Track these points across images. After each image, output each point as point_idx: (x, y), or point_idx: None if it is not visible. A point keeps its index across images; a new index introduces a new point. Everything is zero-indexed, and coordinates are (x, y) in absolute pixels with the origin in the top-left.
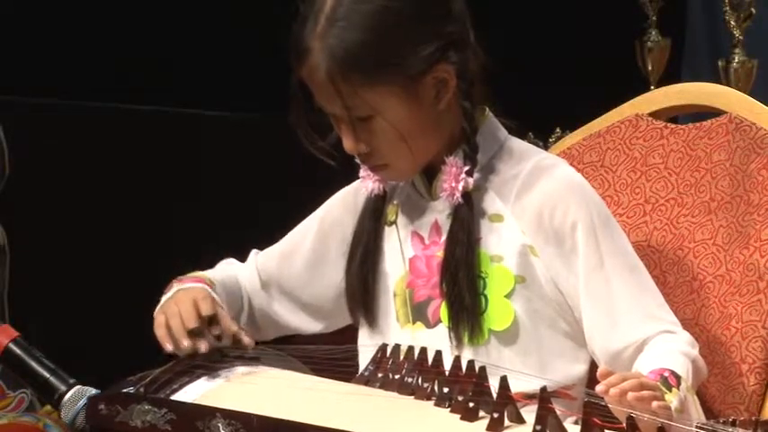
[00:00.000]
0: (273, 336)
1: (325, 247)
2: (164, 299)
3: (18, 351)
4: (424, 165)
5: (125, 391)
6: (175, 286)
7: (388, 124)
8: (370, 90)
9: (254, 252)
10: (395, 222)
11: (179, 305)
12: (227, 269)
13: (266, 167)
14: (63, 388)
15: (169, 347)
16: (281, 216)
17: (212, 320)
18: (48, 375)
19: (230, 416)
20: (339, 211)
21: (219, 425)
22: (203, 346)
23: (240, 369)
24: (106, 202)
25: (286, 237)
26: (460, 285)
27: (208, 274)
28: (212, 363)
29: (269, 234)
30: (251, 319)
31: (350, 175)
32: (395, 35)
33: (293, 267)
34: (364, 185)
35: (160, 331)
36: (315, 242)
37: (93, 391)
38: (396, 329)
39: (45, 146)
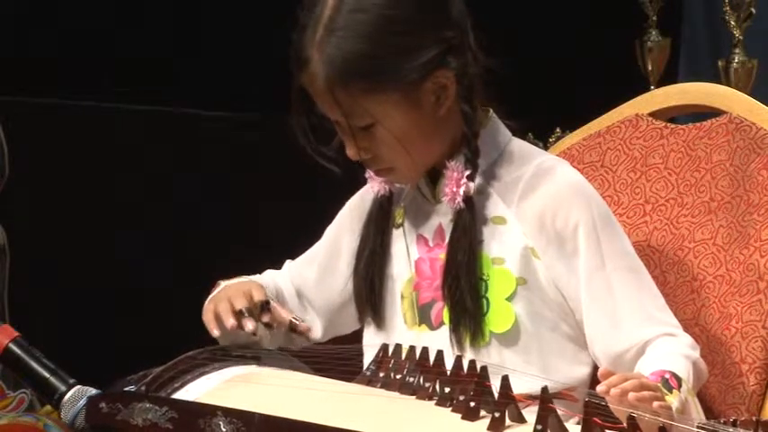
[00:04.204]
0: (301, 346)
1: (337, 255)
2: (212, 294)
3: (18, 351)
4: (427, 169)
5: (126, 389)
6: (223, 283)
7: (388, 131)
8: (370, 98)
9: (287, 262)
10: (402, 225)
11: (229, 293)
12: (270, 277)
13: (266, 167)
14: (63, 388)
15: (216, 332)
16: (282, 216)
17: (263, 309)
18: (48, 375)
19: (232, 414)
20: (348, 218)
21: (221, 423)
22: (250, 325)
23: (242, 368)
24: (106, 202)
25: (312, 247)
26: (462, 290)
27: (254, 278)
28: (214, 361)
29: (270, 234)
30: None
31: (352, 176)
32: (393, 43)
33: (311, 275)
34: (370, 186)
35: (207, 316)
36: (327, 252)
37: (93, 391)
38: (402, 331)
39: (45, 146)
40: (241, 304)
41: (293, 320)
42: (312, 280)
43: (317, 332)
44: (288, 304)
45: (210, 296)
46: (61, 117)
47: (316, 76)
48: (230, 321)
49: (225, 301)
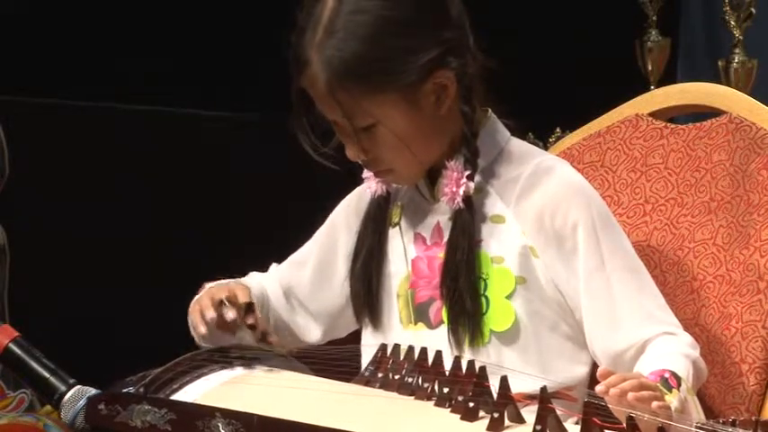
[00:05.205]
0: (291, 346)
1: (332, 254)
2: (196, 297)
3: (18, 351)
4: (427, 168)
5: (125, 390)
6: (208, 285)
7: (389, 132)
8: (370, 99)
9: (273, 265)
10: (398, 224)
11: (212, 291)
12: (255, 279)
13: (266, 167)
14: (63, 388)
15: (202, 329)
16: (282, 216)
17: (248, 310)
18: (48, 375)
19: (230, 416)
20: (344, 217)
21: (219, 425)
22: (231, 314)
23: (240, 369)
24: (106, 203)
25: (301, 247)
26: (461, 289)
27: (240, 280)
28: (212, 362)
29: (269, 233)
30: (275, 330)
31: (351, 175)
32: (393, 44)
33: (304, 277)
34: (368, 186)
35: (194, 315)
36: (321, 251)
37: (93, 391)
38: (398, 330)
39: (45, 146)
40: (222, 294)
41: (265, 330)
42: (306, 282)
43: (315, 335)
44: (273, 305)
45: (195, 298)
46: (61, 117)
47: (316, 78)
48: (209, 314)
49: (206, 297)
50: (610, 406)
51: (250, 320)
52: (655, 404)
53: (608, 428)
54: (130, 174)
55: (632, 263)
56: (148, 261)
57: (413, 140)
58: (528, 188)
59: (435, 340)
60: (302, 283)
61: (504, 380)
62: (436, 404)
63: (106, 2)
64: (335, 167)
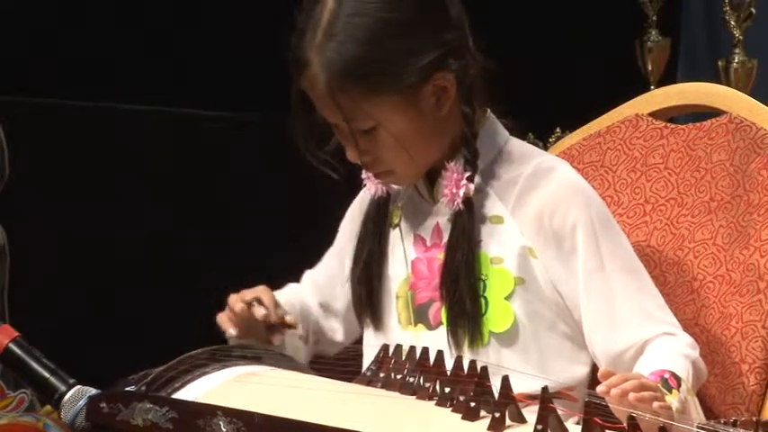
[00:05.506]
0: (330, 352)
1: (342, 257)
2: None
3: (18, 351)
4: (426, 169)
5: (127, 389)
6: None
7: (389, 134)
8: (370, 101)
9: (306, 272)
10: (398, 225)
11: (240, 294)
12: (292, 290)
13: (266, 167)
14: (63, 388)
15: (231, 331)
16: (282, 216)
17: (271, 329)
18: (48, 375)
19: (232, 414)
20: (350, 219)
21: (221, 423)
22: (261, 310)
23: (242, 368)
24: (106, 203)
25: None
26: (461, 290)
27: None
28: (214, 361)
29: (269, 233)
30: (314, 337)
31: (352, 176)
32: (392, 46)
33: (321, 281)
34: (368, 187)
35: (221, 320)
36: (333, 254)
37: (93, 391)
38: (398, 331)
39: (45, 146)
40: (249, 296)
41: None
42: (324, 286)
43: (339, 335)
44: (314, 317)
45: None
46: (61, 117)
47: (316, 80)
48: (239, 306)
49: (234, 298)
50: (611, 406)
51: (277, 342)
52: (655, 404)
53: (609, 428)
54: (130, 174)
55: (631, 263)
56: (148, 261)
57: (413, 142)
58: (527, 189)
59: (435, 341)
60: (322, 288)
61: (505, 380)
62: (438, 404)
63: (106, 2)
64: (334, 175)
